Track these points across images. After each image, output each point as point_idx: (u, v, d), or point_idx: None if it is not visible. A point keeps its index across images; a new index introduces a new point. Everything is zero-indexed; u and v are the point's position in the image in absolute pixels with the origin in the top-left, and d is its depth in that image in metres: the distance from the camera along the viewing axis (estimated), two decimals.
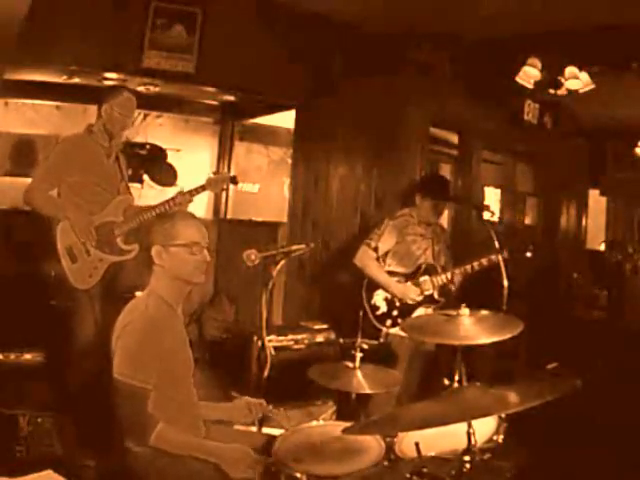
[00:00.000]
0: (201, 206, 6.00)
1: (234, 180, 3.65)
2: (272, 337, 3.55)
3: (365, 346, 2.64)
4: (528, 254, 3.59)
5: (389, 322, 3.69)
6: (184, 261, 2.13)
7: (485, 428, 2.06)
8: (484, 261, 3.58)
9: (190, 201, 3.39)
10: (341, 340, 3.83)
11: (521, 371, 4.10)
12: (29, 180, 3.34)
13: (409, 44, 4.61)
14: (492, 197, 6.69)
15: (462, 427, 1.75)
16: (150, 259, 2.14)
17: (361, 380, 2.54)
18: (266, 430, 2.42)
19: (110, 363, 2.04)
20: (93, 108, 3.52)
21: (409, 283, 3.74)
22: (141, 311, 2.07)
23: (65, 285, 3.18)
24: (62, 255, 3.17)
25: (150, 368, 1.99)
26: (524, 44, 4.55)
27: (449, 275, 3.70)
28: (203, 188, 3.44)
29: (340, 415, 3.00)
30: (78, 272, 3.19)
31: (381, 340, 3.64)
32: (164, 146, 5.84)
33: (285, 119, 5.73)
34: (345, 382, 2.53)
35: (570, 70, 4.60)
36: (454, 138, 5.61)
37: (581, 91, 4.68)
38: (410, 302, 3.69)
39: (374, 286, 3.75)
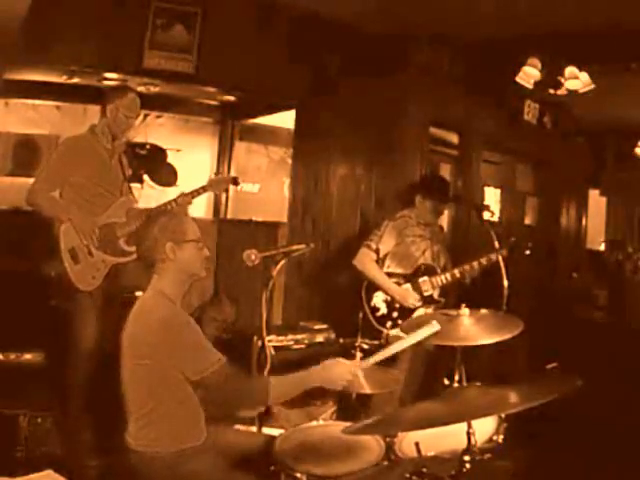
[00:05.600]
0: (201, 206, 6.00)
1: (235, 181, 3.66)
2: (272, 337, 3.55)
3: (365, 346, 2.64)
4: (527, 252, 3.60)
5: (389, 324, 3.67)
6: (193, 256, 2.17)
7: (485, 428, 2.07)
8: (483, 260, 3.58)
9: (190, 202, 3.40)
10: (341, 340, 3.83)
11: (521, 371, 4.10)
12: (29, 180, 3.33)
13: (409, 44, 4.61)
14: (492, 197, 6.68)
15: (462, 427, 1.75)
16: (153, 258, 2.13)
17: (361, 380, 2.54)
18: (266, 430, 2.42)
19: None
20: (93, 108, 3.54)
21: (409, 286, 3.73)
22: (160, 310, 2.06)
23: (66, 286, 3.17)
24: (65, 257, 3.15)
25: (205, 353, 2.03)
26: (524, 44, 4.55)
27: (448, 275, 3.70)
28: (205, 189, 3.44)
29: (340, 415, 3.00)
30: (81, 273, 3.18)
31: (382, 341, 3.63)
32: (164, 146, 5.85)
33: (285, 119, 5.73)
34: None
35: (570, 70, 4.60)
36: (454, 138, 5.60)
37: (581, 91, 4.68)
38: (410, 306, 3.69)
39: (374, 287, 3.75)
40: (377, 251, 3.74)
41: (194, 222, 2.24)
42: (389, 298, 3.72)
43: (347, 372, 2.06)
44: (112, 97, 3.28)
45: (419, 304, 3.70)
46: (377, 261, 3.75)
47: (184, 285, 2.20)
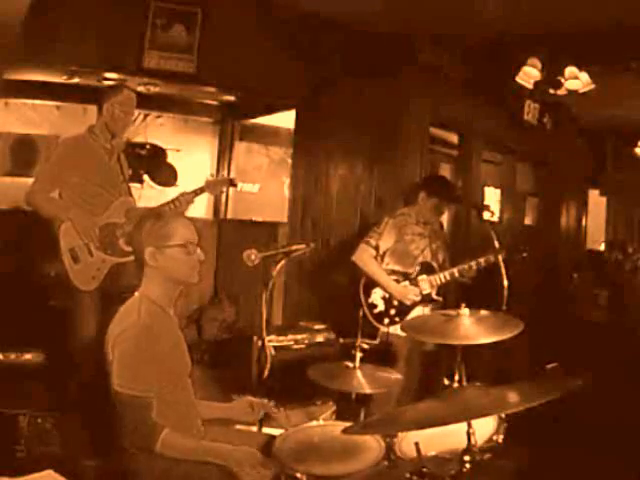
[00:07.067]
0: (201, 206, 6.00)
1: (233, 183, 3.66)
2: (272, 337, 3.55)
3: (365, 346, 2.64)
4: (524, 254, 3.62)
5: (387, 321, 3.68)
6: (180, 262, 2.09)
7: (485, 428, 2.07)
8: (482, 261, 3.58)
9: (190, 202, 3.40)
10: (341, 340, 3.83)
11: (521, 371, 4.10)
12: (29, 180, 3.33)
13: (410, 45, 4.61)
14: (492, 197, 6.69)
15: (462, 427, 1.75)
16: (142, 261, 2.09)
17: (361, 380, 2.54)
18: (266, 430, 2.42)
19: (106, 368, 2.03)
20: (93, 108, 3.53)
21: (407, 283, 3.73)
22: (134, 318, 2.01)
23: (66, 286, 3.17)
24: (65, 257, 3.15)
25: (149, 376, 1.96)
26: (524, 44, 4.55)
27: (447, 274, 3.71)
28: (202, 190, 3.44)
29: (340, 415, 3.00)
30: (81, 273, 3.18)
31: (380, 339, 3.63)
32: (164, 146, 5.85)
33: (285, 119, 5.73)
34: (345, 382, 2.53)
35: (570, 70, 4.61)
36: (454, 138, 5.61)
37: (581, 91, 4.69)
38: (408, 303, 3.69)
39: (372, 284, 3.75)
40: (377, 248, 3.74)
41: (190, 224, 2.15)
42: (387, 295, 3.72)
43: (259, 465, 1.97)
44: (108, 95, 3.30)
45: (418, 299, 3.69)
46: (376, 258, 3.75)
47: (173, 290, 2.14)
